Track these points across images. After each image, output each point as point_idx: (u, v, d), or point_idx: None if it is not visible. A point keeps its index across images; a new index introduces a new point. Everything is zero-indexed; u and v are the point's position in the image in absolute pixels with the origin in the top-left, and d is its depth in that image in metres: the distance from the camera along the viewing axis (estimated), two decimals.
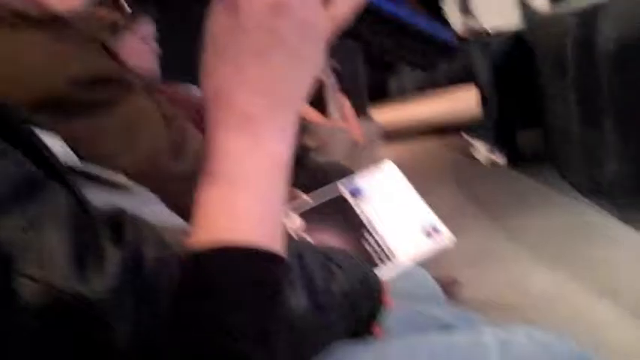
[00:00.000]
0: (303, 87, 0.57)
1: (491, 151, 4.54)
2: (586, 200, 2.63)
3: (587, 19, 2.78)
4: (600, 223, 2.40)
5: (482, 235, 2.33)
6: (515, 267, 2.19)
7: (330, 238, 1.08)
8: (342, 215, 1.12)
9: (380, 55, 0.63)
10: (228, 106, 0.54)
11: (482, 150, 4.65)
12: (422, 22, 0.60)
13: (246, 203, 0.54)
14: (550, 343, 0.93)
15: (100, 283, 0.57)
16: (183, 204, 0.88)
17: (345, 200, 1.14)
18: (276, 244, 0.55)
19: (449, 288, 1.85)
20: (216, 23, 0.55)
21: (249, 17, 0.54)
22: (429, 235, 1.11)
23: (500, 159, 4.49)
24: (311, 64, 0.57)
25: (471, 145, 4.83)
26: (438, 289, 1.30)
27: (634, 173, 2.46)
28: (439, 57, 0.63)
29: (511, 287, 2.07)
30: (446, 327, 1.06)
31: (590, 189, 2.72)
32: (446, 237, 1.11)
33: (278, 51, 0.54)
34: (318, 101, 1.93)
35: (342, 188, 1.15)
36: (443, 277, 1.45)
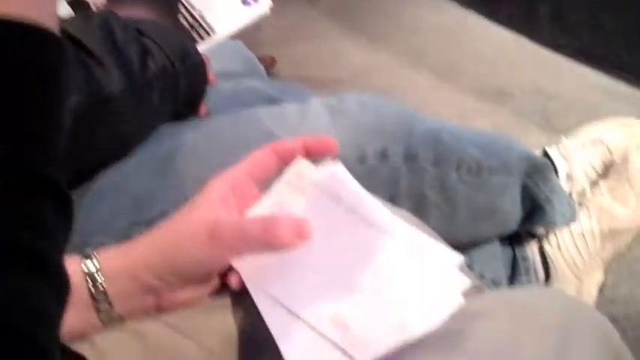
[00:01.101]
0: None
1: None
2: None
3: None
4: None
5: (295, 11, 2.27)
6: (332, 42, 2.17)
7: (141, 13, 0.97)
8: None
9: None
10: None
11: None
12: None
13: None
14: (379, 106, 0.92)
15: None
16: None
17: None
18: (46, 17, 0.40)
19: (268, 66, 1.81)
20: None
21: None
22: (246, 3, 1.03)
23: None
24: None
25: None
26: (258, 64, 1.25)
27: None
28: None
29: (328, 62, 2.07)
30: (272, 100, 1.02)
31: None
32: (264, 3, 1.04)
33: None
34: None
35: None
36: (261, 56, 1.40)
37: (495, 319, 0.56)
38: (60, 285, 0.39)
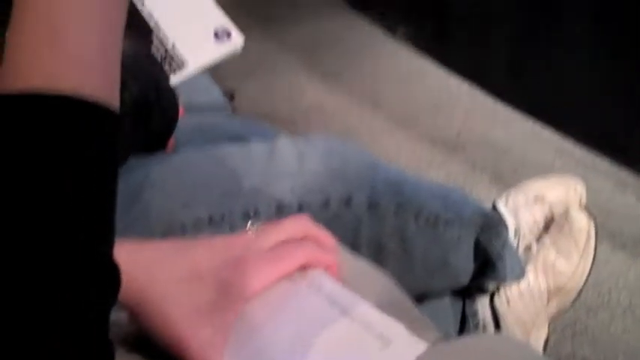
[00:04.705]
0: None
1: None
2: (355, 12, 2.65)
3: None
4: (368, 36, 2.44)
5: (256, 47, 2.27)
6: (290, 79, 2.18)
7: None
8: (127, 17, 0.99)
9: None
10: None
11: None
12: None
13: (72, 34, 0.39)
14: (345, 152, 0.94)
15: None
16: None
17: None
18: (110, 98, 0.41)
19: (228, 99, 1.80)
20: None
21: None
22: (219, 38, 1.03)
23: None
24: None
25: None
26: (223, 100, 1.25)
27: None
28: None
29: (287, 100, 2.08)
30: (237, 137, 1.02)
31: (358, 0, 2.73)
32: (237, 40, 1.04)
33: None
34: None
35: None
36: (222, 88, 1.40)
37: None
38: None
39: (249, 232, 0.63)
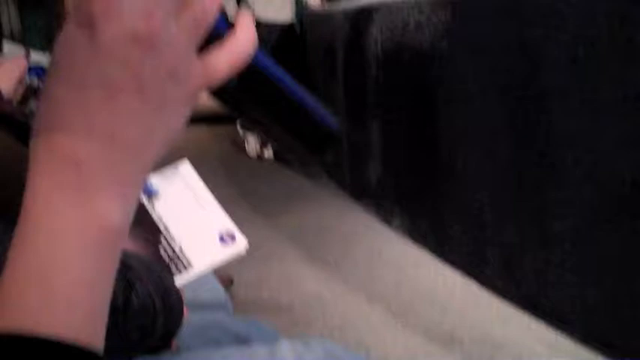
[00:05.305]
0: (155, 142, 0.44)
1: (262, 145, 4.61)
2: (351, 200, 2.74)
3: (358, 20, 2.87)
4: (363, 225, 2.50)
5: (254, 233, 2.33)
6: (288, 267, 2.22)
7: (125, 242, 1.01)
8: (137, 219, 1.04)
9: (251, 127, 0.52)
10: (54, 142, 0.41)
11: (252, 142, 4.70)
12: (308, 100, 0.52)
13: (58, 285, 0.40)
14: (342, 357, 0.95)
15: None
16: None
17: (139, 202, 1.06)
18: (94, 339, 0.42)
19: (225, 285, 1.83)
20: (66, 40, 0.42)
21: (104, 40, 0.41)
22: (224, 241, 1.08)
23: (268, 153, 4.58)
24: (169, 116, 0.44)
25: (243, 136, 4.85)
26: (224, 295, 1.27)
27: (396, 177, 2.59)
28: (319, 145, 0.52)
29: (284, 287, 2.10)
30: (238, 338, 1.04)
31: (355, 189, 2.82)
32: (241, 244, 1.09)
33: (129, 87, 0.42)
34: None
35: None
36: (220, 276, 1.43)
37: None
38: None
39: None
